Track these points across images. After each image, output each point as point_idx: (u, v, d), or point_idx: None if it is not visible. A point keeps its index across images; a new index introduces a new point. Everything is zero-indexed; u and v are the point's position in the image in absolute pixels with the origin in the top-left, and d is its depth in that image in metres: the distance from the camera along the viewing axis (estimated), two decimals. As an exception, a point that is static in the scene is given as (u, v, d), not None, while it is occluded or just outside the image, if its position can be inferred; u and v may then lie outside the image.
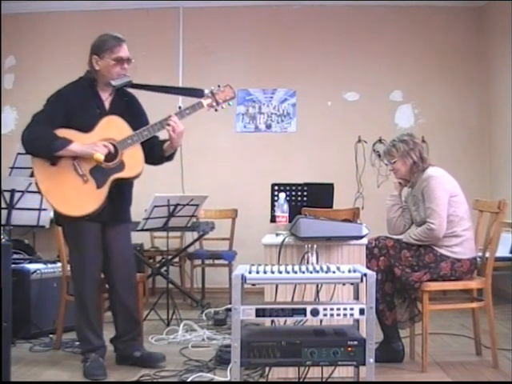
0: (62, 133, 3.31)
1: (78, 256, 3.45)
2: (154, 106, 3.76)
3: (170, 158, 3.59)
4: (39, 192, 3.43)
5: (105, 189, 3.31)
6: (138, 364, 3.53)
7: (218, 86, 3.46)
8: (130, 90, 3.58)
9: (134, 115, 3.46)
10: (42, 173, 3.34)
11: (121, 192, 3.44)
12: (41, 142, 3.29)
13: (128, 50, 3.42)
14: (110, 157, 3.32)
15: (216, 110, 3.47)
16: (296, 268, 2.45)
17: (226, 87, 3.47)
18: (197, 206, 5.04)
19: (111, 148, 3.31)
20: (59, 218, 3.47)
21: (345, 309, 2.35)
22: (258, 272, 2.41)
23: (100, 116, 3.39)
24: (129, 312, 3.57)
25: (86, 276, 3.43)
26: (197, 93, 3.46)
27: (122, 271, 3.53)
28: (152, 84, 3.59)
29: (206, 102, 3.44)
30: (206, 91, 3.44)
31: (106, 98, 3.46)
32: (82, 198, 3.30)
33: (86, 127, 3.34)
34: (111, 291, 3.59)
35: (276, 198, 4.56)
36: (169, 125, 3.38)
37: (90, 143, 3.29)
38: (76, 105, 3.37)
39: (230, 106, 3.53)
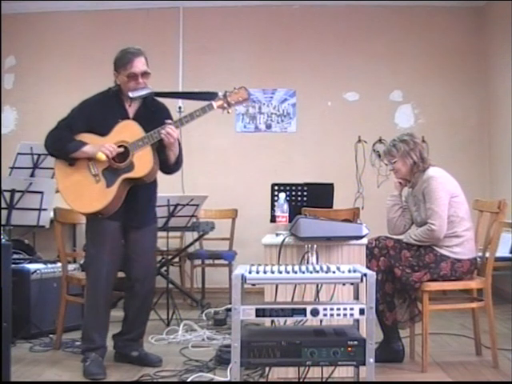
0: (82, 137, 3.47)
1: (93, 252, 3.52)
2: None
3: (177, 165, 3.59)
4: (57, 190, 3.62)
5: (114, 188, 3.40)
6: (134, 363, 3.56)
7: (234, 88, 3.46)
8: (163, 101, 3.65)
9: (159, 125, 3.45)
10: (61, 172, 3.51)
11: (137, 196, 3.50)
12: (58, 144, 3.47)
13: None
14: (122, 158, 3.42)
15: (228, 112, 3.47)
16: (296, 268, 2.45)
17: (241, 89, 3.46)
18: (197, 206, 5.05)
19: (116, 149, 3.40)
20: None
21: (345, 309, 2.35)
22: (258, 272, 2.41)
23: None
24: (140, 314, 3.63)
25: (101, 273, 3.46)
26: (211, 96, 3.47)
27: (142, 273, 3.57)
28: (171, 91, 3.62)
29: (216, 103, 3.44)
30: (220, 93, 3.45)
31: (130, 106, 3.55)
32: (92, 196, 3.43)
33: (106, 133, 3.46)
34: (130, 291, 3.63)
35: (276, 198, 4.55)
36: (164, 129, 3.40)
37: (99, 144, 3.40)
38: (98, 114, 3.50)
39: (244, 108, 3.56)
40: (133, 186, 3.47)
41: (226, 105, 3.45)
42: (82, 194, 3.44)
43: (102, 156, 3.38)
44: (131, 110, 3.56)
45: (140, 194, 3.53)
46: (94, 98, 3.59)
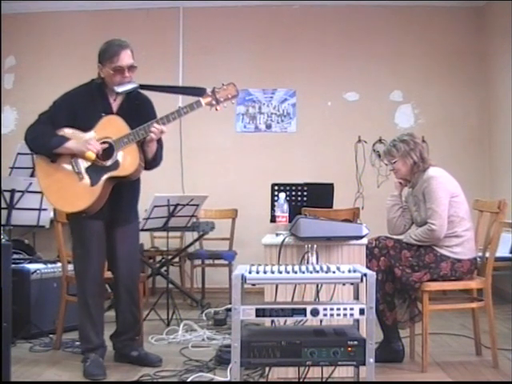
0: (64, 132, 3.35)
1: (80, 252, 3.47)
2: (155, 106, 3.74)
3: (155, 161, 3.50)
4: (40, 189, 3.47)
5: (98, 186, 3.31)
6: (134, 363, 3.55)
7: (222, 84, 3.37)
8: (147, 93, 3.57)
9: (143, 119, 3.38)
10: (42, 170, 3.40)
11: (121, 193, 3.44)
12: (40, 139, 3.35)
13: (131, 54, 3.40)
14: (106, 155, 3.33)
15: (216, 110, 3.38)
16: (296, 268, 2.45)
17: (229, 85, 3.37)
18: (197, 206, 5.05)
19: (103, 146, 3.31)
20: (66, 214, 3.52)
21: (345, 309, 2.35)
22: (258, 272, 2.41)
23: None
24: (130, 312, 3.59)
25: (88, 272, 3.43)
26: (199, 91, 3.39)
27: (125, 271, 3.54)
28: (157, 85, 3.56)
29: (205, 100, 3.34)
30: (208, 90, 3.37)
31: (115, 100, 3.47)
32: (76, 194, 3.33)
33: (89, 128, 3.36)
34: (115, 290, 3.62)
35: (276, 198, 4.55)
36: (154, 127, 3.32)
37: (84, 141, 3.31)
38: (81, 107, 3.39)
39: (232, 105, 3.49)
40: (116, 183, 3.39)
41: (214, 102, 3.34)
42: (65, 192, 3.34)
43: (91, 155, 3.26)
44: (115, 104, 3.46)
45: (124, 191, 3.45)
46: (76, 91, 3.47)
